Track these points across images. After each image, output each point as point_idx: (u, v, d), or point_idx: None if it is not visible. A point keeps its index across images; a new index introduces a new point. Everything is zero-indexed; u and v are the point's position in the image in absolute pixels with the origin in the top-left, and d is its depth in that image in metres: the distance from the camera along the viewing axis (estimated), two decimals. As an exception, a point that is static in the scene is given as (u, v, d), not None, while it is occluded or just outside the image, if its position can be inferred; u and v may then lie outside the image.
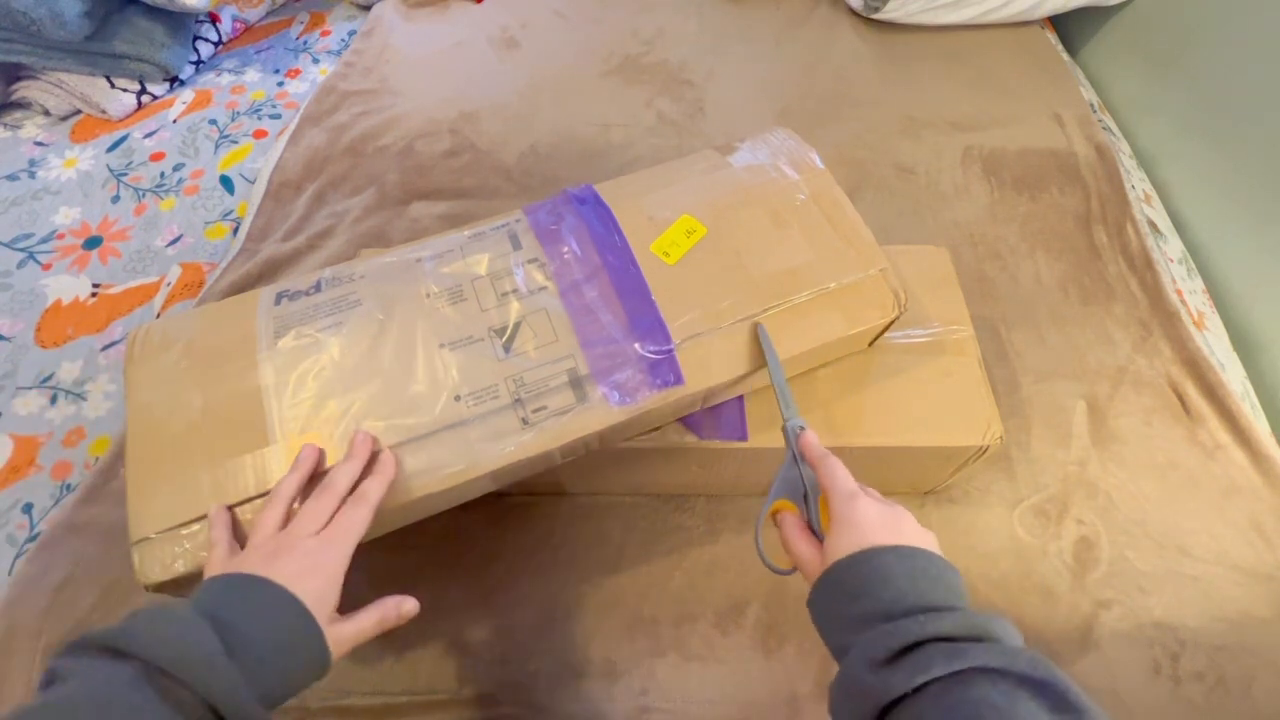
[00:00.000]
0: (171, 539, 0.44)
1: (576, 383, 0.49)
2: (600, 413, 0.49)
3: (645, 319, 0.51)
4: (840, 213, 0.57)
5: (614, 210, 0.57)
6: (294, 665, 0.36)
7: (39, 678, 0.32)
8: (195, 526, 0.44)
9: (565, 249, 0.54)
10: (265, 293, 0.54)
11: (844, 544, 0.38)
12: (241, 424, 0.47)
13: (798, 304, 0.53)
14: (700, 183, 0.60)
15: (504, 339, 0.50)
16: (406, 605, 0.43)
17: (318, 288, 0.53)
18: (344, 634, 0.39)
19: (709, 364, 0.51)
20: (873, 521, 0.39)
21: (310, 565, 0.38)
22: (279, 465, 0.46)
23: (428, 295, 0.52)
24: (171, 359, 0.50)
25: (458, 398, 0.48)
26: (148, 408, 0.48)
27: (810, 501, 0.43)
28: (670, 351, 0.51)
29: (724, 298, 0.53)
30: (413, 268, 0.54)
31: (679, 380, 0.50)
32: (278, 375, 0.48)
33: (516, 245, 0.55)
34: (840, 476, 0.42)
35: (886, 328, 0.57)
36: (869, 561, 0.37)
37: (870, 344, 0.59)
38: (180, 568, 0.43)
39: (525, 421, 0.48)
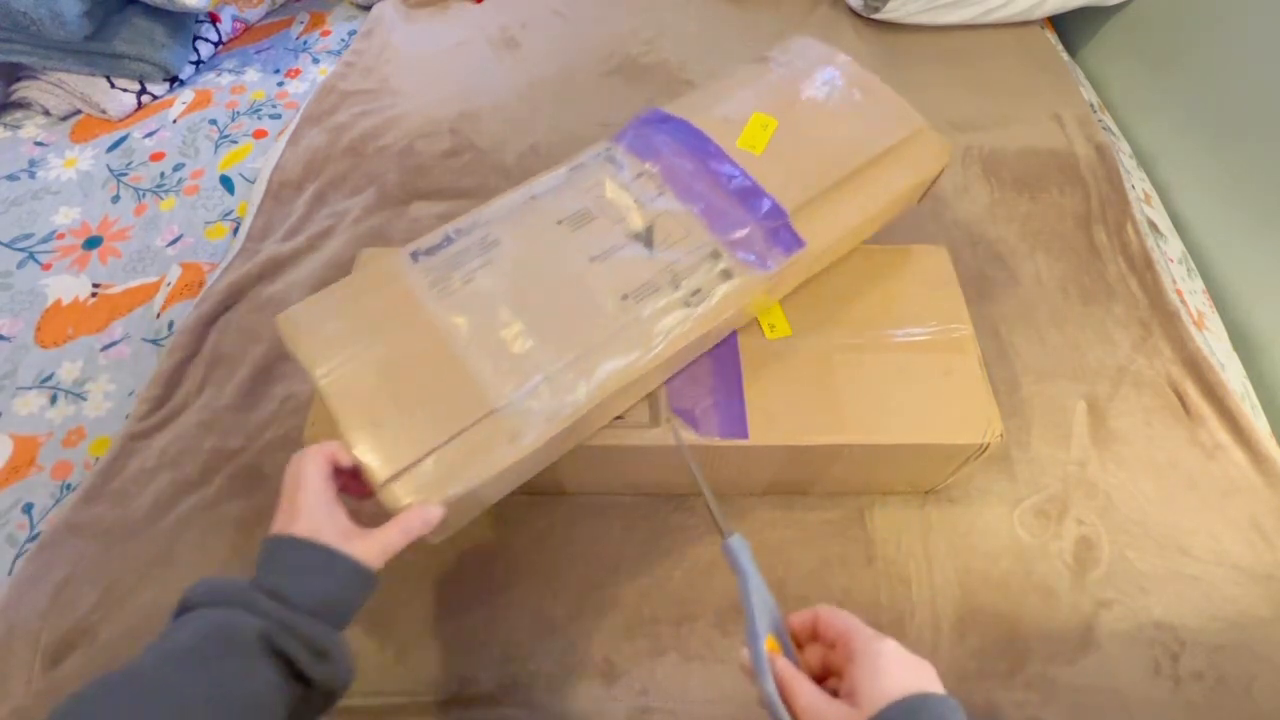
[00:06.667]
0: (408, 478, 0.46)
1: (719, 261, 0.56)
2: (748, 282, 0.55)
3: (758, 200, 0.59)
4: (874, 89, 0.67)
5: (692, 122, 0.63)
6: (330, 584, 0.41)
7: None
8: (424, 463, 0.47)
9: (665, 159, 0.61)
10: (396, 256, 0.56)
11: (886, 688, 0.34)
12: (433, 362, 0.50)
13: (868, 164, 0.62)
14: (755, 88, 0.67)
15: (644, 242, 0.56)
16: (431, 512, 0.45)
17: (449, 240, 0.57)
18: (370, 548, 0.42)
19: (817, 226, 0.59)
20: (908, 664, 0.36)
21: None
22: (490, 389, 0.49)
23: (559, 222, 0.57)
24: (333, 329, 0.52)
25: (624, 297, 0.54)
26: (334, 373, 0.50)
27: (784, 632, 0.39)
28: (786, 220, 0.58)
29: (811, 171, 0.60)
30: (531, 204, 0.59)
31: (801, 243, 0.57)
32: (448, 314, 0.52)
33: (620, 167, 0.61)
34: (847, 613, 0.38)
35: (938, 176, 0.66)
36: (927, 710, 0.34)
37: (920, 199, 0.68)
38: (410, 500, 0.46)
39: (687, 304, 0.54)
